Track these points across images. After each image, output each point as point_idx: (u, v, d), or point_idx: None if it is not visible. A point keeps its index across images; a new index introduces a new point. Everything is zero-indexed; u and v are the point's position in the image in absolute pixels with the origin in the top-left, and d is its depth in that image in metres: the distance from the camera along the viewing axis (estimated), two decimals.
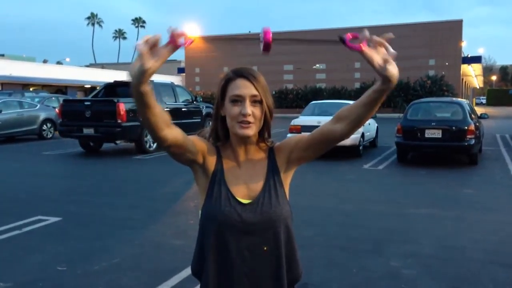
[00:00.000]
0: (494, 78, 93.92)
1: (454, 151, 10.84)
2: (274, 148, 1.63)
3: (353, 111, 1.45)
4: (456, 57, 38.69)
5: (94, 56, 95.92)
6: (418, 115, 11.16)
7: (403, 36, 38.87)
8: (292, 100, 39.56)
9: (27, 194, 7.79)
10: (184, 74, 48.88)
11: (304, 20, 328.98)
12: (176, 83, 16.04)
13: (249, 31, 47.57)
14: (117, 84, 13.80)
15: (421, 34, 38.79)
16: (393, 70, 1.30)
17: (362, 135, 11.91)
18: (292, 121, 12.24)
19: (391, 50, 1.29)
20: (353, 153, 11.72)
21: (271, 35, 1.32)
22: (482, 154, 12.19)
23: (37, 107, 17.64)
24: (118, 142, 13.43)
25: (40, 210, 6.52)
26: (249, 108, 1.47)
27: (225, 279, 1.53)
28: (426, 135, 10.41)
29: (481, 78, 67.56)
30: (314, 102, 14.32)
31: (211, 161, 1.56)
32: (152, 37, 1.21)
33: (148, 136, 12.46)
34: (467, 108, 10.95)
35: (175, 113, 13.77)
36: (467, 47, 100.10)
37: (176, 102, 14.11)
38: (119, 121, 11.82)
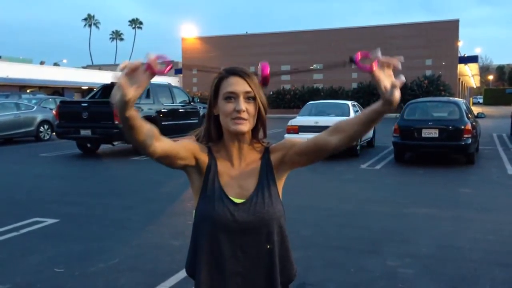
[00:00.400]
0: (490, 77, 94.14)
1: (451, 150, 10.86)
2: (269, 148, 1.63)
3: (350, 127, 1.47)
4: (453, 57, 38.77)
5: (91, 57, 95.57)
6: (415, 115, 11.18)
7: (400, 36, 39.03)
8: (290, 100, 39.62)
9: (24, 196, 7.78)
10: (181, 75, 48.87)
11: (304, 21, 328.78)
12: (173, 84, 16.03)
13: (246, 32, 47.58)
14: (114, 86, 13.75)
15: (418, 34, 38.88)
16: (397, 95, 1.32)
17: None
18: (290, 121, 12.25)
19: (402, 77, 1.32)
20: (351, 153, 11.73)
21: (268, 69, 1.35)
22: (479, 153, 12.22)
23: (34, 109, 17.59)
24: (115, 143, 13.42)
25: (37, 212, 6.51)
26: (243, 104, 1.48)
27: (219, 279, 1.54)
28: (423, 135, 10.43)
29: (478, 78, 67.77)
30: (311, 102, 14.34)
31: (203, 163, 1.57)
32: (130, 64, 1.23)
33: None
34: (463, 107, 10.98)
35: (172, 114, 13.79)
36: (464, 47, 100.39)
37: (173, 103, 14.10)
38: (116, 122, 11.79)
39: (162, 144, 1.41)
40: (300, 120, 12.22)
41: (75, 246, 5.08)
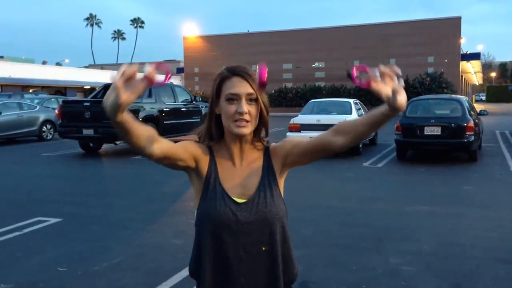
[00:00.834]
0: (493, 74, 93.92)
1: (454, 148, 10.84)
2: (270, 148, 1.62)
3: (356, 128, 1.45)
4: (455, 54, 38.69)
5: (93, 57, 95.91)
6: (417, 113, 11.16)
7: (402, 34, 38.96)
8: (292, 99, 39.57)
9: (27, 196, 7.80)
10: (183, 74, 48.89)
11: (304, 19, 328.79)
12: (175, 83, 16.04)
13: (248, 30, 47.56)
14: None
15: (420, 31, 38.80)
16: (402, 100, 1.29)
17: None
18: (292, 119, 12.24)
19: (402, 81, 1.30)
20: (353, 151, 11.72)
21: (266, 75, 1.35)
22: (481, 150, 12.19)
23: (37, 109, 17.63)
24: (117, 142, 13.43)
25: (40, 212, 6.52)
26: (245, 107, 1.47)
27: (222, 279, 1.53)
28: (426, 132, 10.41)
29: (480, 75, 67.53)
30: (313, 100, 14.32)
31: (204, 164, 1.56)
32: (129, 69, 1.21)
33: None
34: (466, 104, 10.94)
35: (175, 113, 13.80)
36: (466, 44, 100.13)
37: (175, 102, 14.10)
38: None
39: (161, 146, 1.40)
40: (302, 118, 12.21)
41: (77, 246, 5.09)
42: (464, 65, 42.98)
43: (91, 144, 13.51)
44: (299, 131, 11.67)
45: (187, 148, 1.52)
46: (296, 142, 1.60)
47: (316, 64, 42.72)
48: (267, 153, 1.61)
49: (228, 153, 1.58)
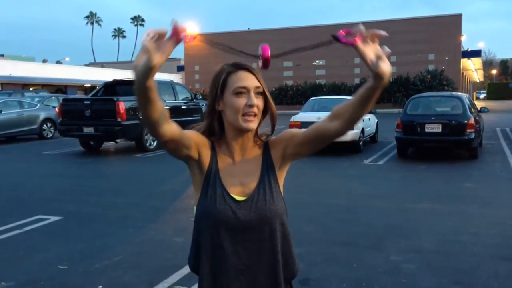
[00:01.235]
0: (494, 72, 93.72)
1: (454, 145, 10.83)
2: (269, 142, 1.61)
3: (347, 109, 1.43)
4: (456, 52, 38.62)
5: (93, 55, 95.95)
6: (417, 110, 11.15)
7: (403, 31, 38.86)
8: (292, 96, 39.56)
9: (27, 194, 7.80)
10: (183, 72, 48.85)
11: (304, 17, 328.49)
12: (175, 81, 16.03)
13: (248, 28, 47.51)
14: (116, 83, 13.79)
15: (421, 29, 38.73)
16: (385, 67, 1.26)
17: (362, 131, 11.91)
18: (292, 117, 12.23)
19: (386, 48, 1.27)
20: (354, 148, 11.72)
21: (269, 51, 1.33)
22: (482, 148, 12.19)
23: (37, 107, 17.63)
24: (118, 140, 13.44)
25: (40, 210, 6.53)
26: (255, 99, 1.47)
27: (221, 276, 1.53)
28: (426, 130, 10.40)
29: (481, 72, 67.46)
30: (314, 98, 14.31)
31: (206, 157, 1.55)
32: (157, 31, 1.19)
33: (148, 135, 12.46)
34: (466, 102, 10.93)
35: (175, 111, 13.78)
36: (467, 41, 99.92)
37: (175, 100, 14.10)
38: (119, 119, 11.82)
39: (172, 128, 1.38)
40: (302, 116, 12.20)
41: (78, 244, 5.10)
42: (465, 62, 42.93)
43: (91, 142, 13.51)
44: (300, 129, 11.64)
45: (192, 137, 1.51)
46: (295, 132, 1.59)
47: (317, 61, 42.66)
48: (266, 149, 1.60)
49: (229, 149, 1.58)
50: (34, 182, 8.98)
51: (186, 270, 3.98)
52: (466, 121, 10.17)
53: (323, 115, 11.65)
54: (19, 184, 8.81)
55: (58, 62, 60.98)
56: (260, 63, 1.35)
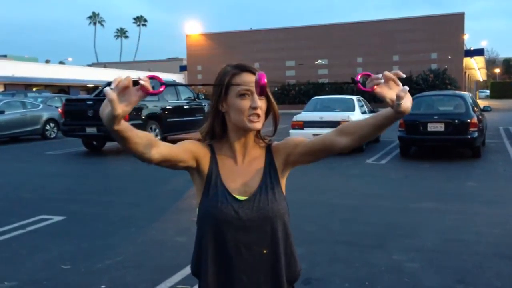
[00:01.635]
0: (497, 70, 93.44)
1: (457, 144, 10.81)
2: (272, 147, 1.62)
3: (360, 129, 1.45)
4: (459, 50, 38.52)
5: (96, 55, 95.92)
6: (420, 109, 11.11)
7: (405, 30, 38.82)
8: (294, 96, 39.53)
9: (30, 194, 7.82)
10: (186, 71, 48.88)
11: (307, 16, 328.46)
12: (178, 81, 16.03)
13: (250, 28, 47.50)
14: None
15: (423, 27, 38.64)
16: (407, 104, 1.29)
17: None
18: (294, 117, 12.22)
19: (405, 87, 1.29)
20: (356, 148, 11.69)
21: (265, 79, 1.35)
22: (485, 147, 12.16)
23: (40, 107, 17.67)
24: None
25: (43, 210, 6.54)
26: (258, 102, 1.48)
27: (224, 277, 1.53)
28: (429, 129, 10.38)
29: (484, 71, 67.31)
30: (316, 97, 14.29)
31: (205, 162, 1.56)
32: (123, 80, 1.19)
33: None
34: (469, 101, 10.91)
35: (177, 111, 13.82)
36: (470, 40, 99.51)
37: (178, 100, 14.12)
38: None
39: (159, 150, 1.39)
40: (305, 115, 12.19)
41: (81, 243, 5.11)
42: (468, 61, 42.81)
43: (94, 142, 13.54)
44: (302, 128, 11.64)
45: (187, 148, 1.51)
46: (299, 141, 1.59)
47: (319, 61, 42.62)
48: (269, 151, 1.61)
49: (231, 150, 1.58)
50: (37, 182, 9.00)
51: (188, 270, 3.98)
52: (469, 120, 10.15)
53: (326, 114, 11.61)
54: (22, 184, 8.83)
55: (61, 63, 61.15)
56: (257, 90, 1.37)
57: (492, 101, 47.50)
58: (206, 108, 15.17)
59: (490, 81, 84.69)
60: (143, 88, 1.20)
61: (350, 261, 4.42)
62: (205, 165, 1.56)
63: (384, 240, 5.04)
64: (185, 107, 14.29)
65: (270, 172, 1.58)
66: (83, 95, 33.81)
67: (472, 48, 42.27)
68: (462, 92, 12.73)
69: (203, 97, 16.10)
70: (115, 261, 4.52)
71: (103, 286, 3.95)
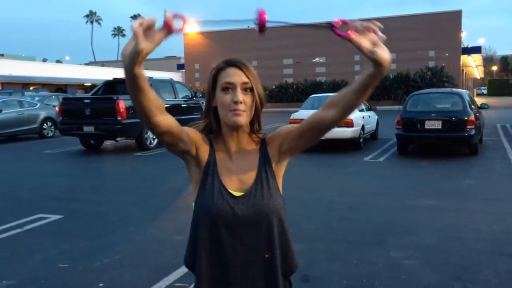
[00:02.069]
0: (494, 68, 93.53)
1: (455, 141, 10.83)
2: (266, 139, 1.62)
3: (344, 97, 1.42)
4: (456, 48, 38.59)
5: (93, 54, 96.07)
6: (417, 107, 11.13)
7: (403, 28, 38.82)
8: (292, 94, 39.51)
9: (28, 193, 7.81)
10: (183, 70, 48.82)
11: (305, 14, 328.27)
12: (175, 80, 16.03)
13: (248, 26, 47.32)
14: (116, 81, 13.77)
15: (421, 25, 38.69)
16: (383, 53, 1.25)
17: (363, 128, 11.91)
18: (292, 114, 12.21)
19: (380, 34, 1.26)
20: (354, 145, 11.71)
21: (266, 15, 1.32)
22: (482, 144, 12.18)
23: (37, 106, 17.64)
24: (118, 139, 13.44)
25: (41, 208, 6.53)
26: (240, 96, 1.47)
27: (218, 271, 1.53)
28: (426, 127, 10.39)
29: (481, 69, 67.38)
30: (314, 95, 14.30)
31: (204, 153, 1.56)
32: (148, 19, 1.19)
33: (149, 133, 12.45)
34: (466, 98, 10.92)
35: (175, 110, 13.77)
36: (467, 38, 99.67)
37: (175, 98, 14.09)
38: (119, 118, 11.82)
39: (168, 119, 1.38)
40: (303, 113, 12.17)
41: (79, 242, 5.11)
42: (465, 59, 42.88)
43: (92, 141, 13.52)
44: (296, 124, 11.62)
45: (190, 134, 1.52)
46: (290, 128, 1.59)
47: (317, 59, 42.64)
48: (263, 146, 1.61)
49: (225, 146, 1.58)
50: (35, 181, 8.99)
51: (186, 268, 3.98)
52: (466, 118, 10.16)
53: None
54: (20, 183, 8.82)
55: (58, 61, 61.02)
56: (257, 28, 1.34)
57: (489, 99, 47.59)
58: (203, 107, 15.16)
59: (488, 79, 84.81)
60: (166, 25, 1.20)
61: (348, 259, 4.43)
62: (204, 156, 1.55)
63: (382, 237, 5.05)
64: (182, 105, 14.26)
65: (265, 167, 1.57)
66: (80, 94, 33.76)
67: (469, 46, 42.37)
68: (459, 90, 12.74)
69: (200, 95, 16.08)
70: (113, 259, 4.51)
71: (102, 285, 3.94)
